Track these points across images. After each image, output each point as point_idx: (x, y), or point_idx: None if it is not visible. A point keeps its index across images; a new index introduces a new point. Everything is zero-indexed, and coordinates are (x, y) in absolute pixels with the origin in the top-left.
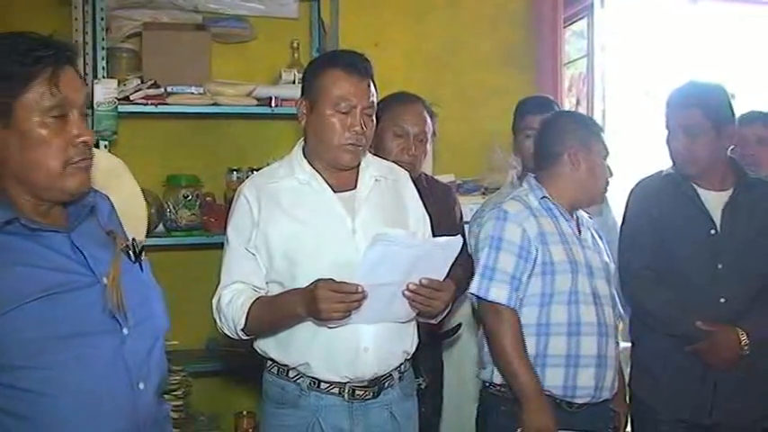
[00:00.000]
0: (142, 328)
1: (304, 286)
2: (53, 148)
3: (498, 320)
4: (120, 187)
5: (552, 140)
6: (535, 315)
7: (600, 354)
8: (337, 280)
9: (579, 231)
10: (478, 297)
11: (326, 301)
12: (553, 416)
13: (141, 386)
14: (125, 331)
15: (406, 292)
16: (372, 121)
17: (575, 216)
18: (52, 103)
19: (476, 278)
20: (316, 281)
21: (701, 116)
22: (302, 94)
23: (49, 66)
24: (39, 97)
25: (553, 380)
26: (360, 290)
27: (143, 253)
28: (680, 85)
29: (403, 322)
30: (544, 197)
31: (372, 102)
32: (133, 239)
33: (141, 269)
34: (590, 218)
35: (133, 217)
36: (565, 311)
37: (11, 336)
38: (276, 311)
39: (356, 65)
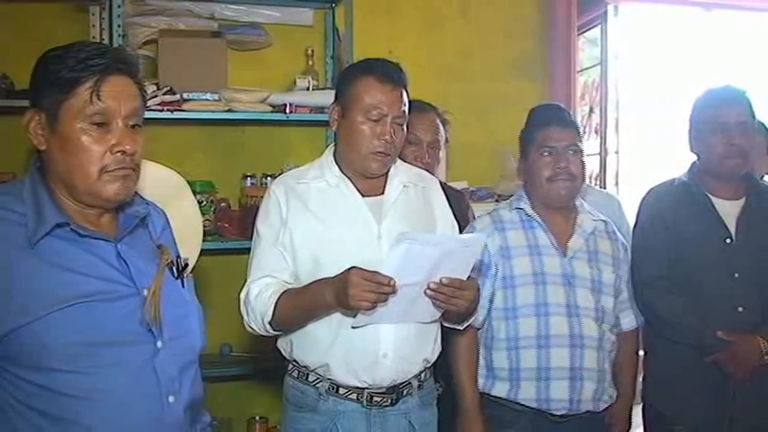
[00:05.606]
0: (177, 343)
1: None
2: (91, 155)
3: (456, 336)
4: (180, 206)
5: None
6: (504, 329)
7: (573, 366)
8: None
9: (568, 239)
10: None
11: (357, 287)
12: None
13: (171, 399)
14: (159, 344)
15: (428, 291)
16: (403, 130)
17: (572, 219)
18: (93, 111)
19: None
20: (349, 267)
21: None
22: (335, 99)
23: (96, 74)
24: (81, 104)
25: (526, 393)
26: (392, 282)
27: (186, 270)
28: (721, 86)
29: (427, 323)
30: (517, 208)
31: (404, 111)
32: (178, 256)
33: (183, 285)
34: (598, 219)
35: (189, 236)
36: (533, 324)
37: (50, 338)
38: (305, 300)
39: (390, 74)
